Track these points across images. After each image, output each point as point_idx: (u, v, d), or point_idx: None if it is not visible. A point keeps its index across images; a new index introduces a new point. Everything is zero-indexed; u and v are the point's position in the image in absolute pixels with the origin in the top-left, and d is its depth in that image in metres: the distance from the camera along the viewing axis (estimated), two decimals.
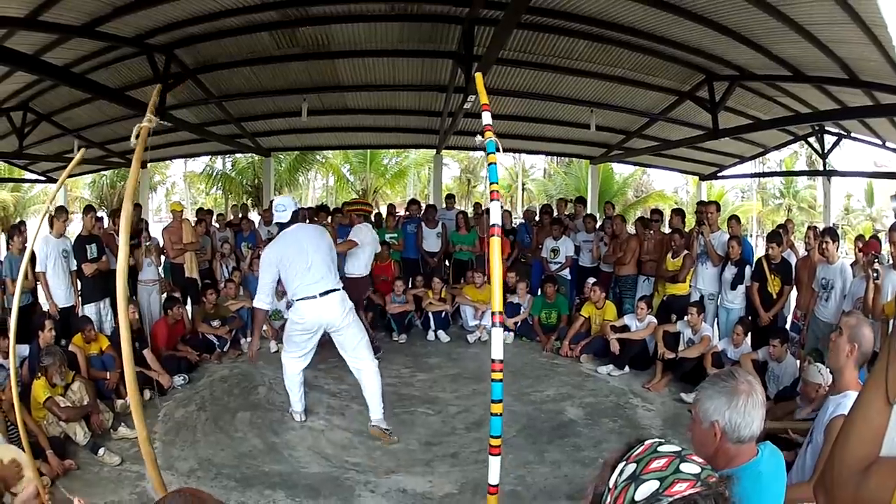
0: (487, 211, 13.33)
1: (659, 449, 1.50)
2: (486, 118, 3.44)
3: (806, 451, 3.25)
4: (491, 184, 3.34)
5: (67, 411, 6.04)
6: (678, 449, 1.50)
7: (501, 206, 3.47)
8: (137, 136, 3.54)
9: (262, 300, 6.41)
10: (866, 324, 3.38)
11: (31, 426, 5.54)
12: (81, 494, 4.98)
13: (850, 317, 3.49)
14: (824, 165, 14.03)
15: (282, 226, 6.48)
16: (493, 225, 3.21)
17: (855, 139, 13.17)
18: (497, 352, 3.12)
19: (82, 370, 6.97)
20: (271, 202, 12.87)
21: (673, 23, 8.06)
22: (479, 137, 3.38)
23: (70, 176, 18.21)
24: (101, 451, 5.85)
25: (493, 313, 3.17)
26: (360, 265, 9.10)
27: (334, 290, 6.32)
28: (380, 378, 6.54)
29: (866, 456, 1.63)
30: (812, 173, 26.39)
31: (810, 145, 14.24)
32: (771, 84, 9.96)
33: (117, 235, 8.76)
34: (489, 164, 3.40)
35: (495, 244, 3.17)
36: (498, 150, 3.35)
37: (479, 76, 3.78)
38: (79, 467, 5.63)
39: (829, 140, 13.48)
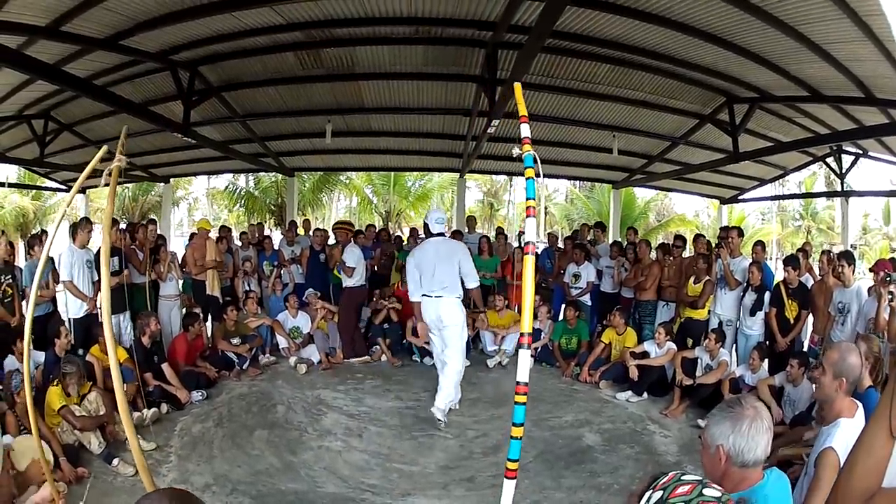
0: (521, 233, 13.40)
1: (683, 478, 1.61)
2: (525, 130, 3.30)
3: (803, 481, 3.25)
4: (527, 199, 3.19)
5: (82, 420, 6.09)
6: (700, 477, 1.59)
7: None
8: (109, 175, 3.42)
9: (414, 294, 7.72)
10: (850, 351, 3.39)
11: (45, 432, 5.57)
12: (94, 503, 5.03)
13: (832, 351, 3.46)
14: (842, 185, 14.02)
15: (427, 230, 7.98)
16: (528, 242, 3.09)
17: (872, 158, 13.16)
18: (523, 374, 3.04)
19: (98, 381, 7.02)
20: (293, 222, 12.96)
21: (693, 46, 8.12)
22: (516, 149, 3.24)
23: (92, 187, 18.40)
24: (115, 461, 5.90)
25: (521, 334, 3.06)
26: (356, 278, 10.03)
27: (448, 297, 7.51)
28: (456, 381, 7.56)
29: (869, 487, 1.68)
30: (830, 194, 26.29)
31: (828, 165, 14.23)
32: (790, 105, 10.01)
33: (138, 250, 8.86)
34: (527, 179, 3.23)
35: (529, 262, 3.05)
36: (536, 164, 3.22)
37: (517, 86, 3.63)
38: (92, 475, 5.66)
39: (846, 160, 13.49)
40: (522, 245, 12.13)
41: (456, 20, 8.18)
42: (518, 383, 2.98)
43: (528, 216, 3.19)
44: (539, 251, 12.64)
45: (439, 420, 7.29)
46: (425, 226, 8.29)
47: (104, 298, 2.99)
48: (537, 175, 3.17)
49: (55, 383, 6.17)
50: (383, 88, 11.23)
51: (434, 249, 7.62)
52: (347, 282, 10.14)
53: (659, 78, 9.66)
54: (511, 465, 3.02)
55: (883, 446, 1.67)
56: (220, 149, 13.17)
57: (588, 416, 7.84)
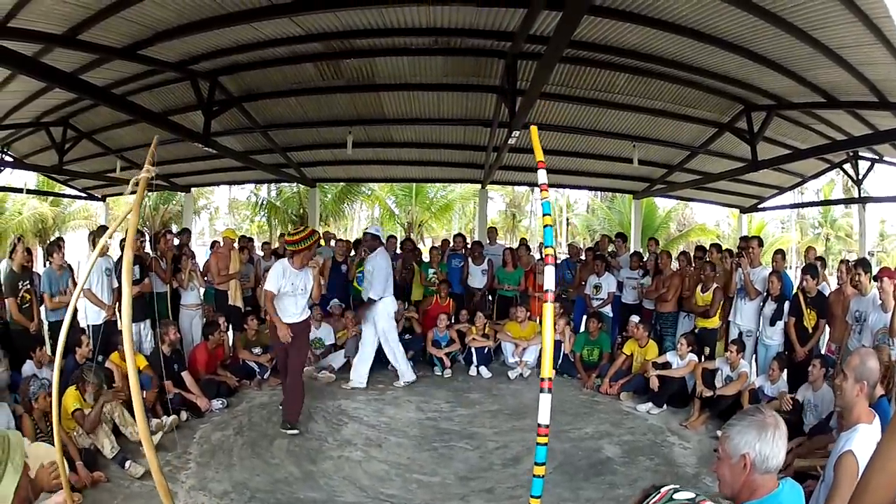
0: (542, 244, 13.39)
1: (675, 497, 1.61)
2: (542, 177, 3.11)
3: (820, 488, 3.25)
4: (546, 247, 3.06)
5: (91, 421, 6.19)
6: (692, 496, 1.62)
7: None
8: (137, 185, 3.33)
9: (376, 294, 9.17)
10: (870, 355, 3.44)
11: (62, 437, 5.64)
12: None
13: (852, 357, 3.50)
14: (859, 192, 13.94)
15: (379, 241, 9.39)
16: (547, 291, 2.95)
17: (888, 163, 13.09)
18: (545, 417, 3.00)
19: (118, 387, 7.08)
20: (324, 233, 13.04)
21: (710, 53, 8.13)
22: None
23: (113, 195, 18.51)
24: (127, 463, 5.96)
25: (541, 379, 2.98)
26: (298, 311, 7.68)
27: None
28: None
29: (883, 501, 1.65)
30: (847, 201, 26.09)
31: (845, 172, 14.14)
32: (806, 112, 10.01)
33: (161, 259, 8.92)
34: (545, 227, 3.09)
35: (548, 310, 2.92)
36: (550, 212, 3.11)
37: (533, 129, 3.38)
38: (109, 480, 5.71)
39: (863, 166, 13.42)
40: (544, 256, 12.14)
41: (475, 31, 8.21)
42: (539, 426, 2.94)
43: (546, 264, 3.02)
44: (559, 261, 12.59)
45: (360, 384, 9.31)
46: (377, 237, 9.33)
47: (125, 308, 2.98)
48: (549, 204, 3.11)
49: (74, 387, 6.23)
50: (404, 99, 11.28)
51: (386, 258, 9.47)
52: (291, 315, 7.52)
53: (677, 87, 9.66)
54: (534, 502, 3.00)
55: None
56: (242, 159, 13.25)
57: (608, 428, 7.81)
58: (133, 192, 3.12)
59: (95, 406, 6.27)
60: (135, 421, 6.75)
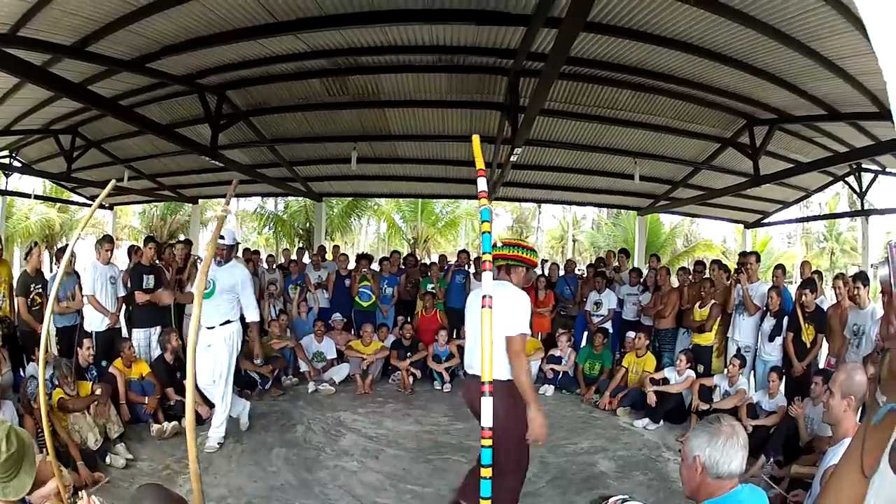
0: (545, 261, 13.34)
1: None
2: (481, 184, 3.24)
3: (807, 502, 3.34)
4: (483, 254, 3.06)
5: (73, 402, 6.38)
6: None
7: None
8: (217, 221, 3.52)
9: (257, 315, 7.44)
10: (856, 370, 3.49)
11: (63, 437, 5.87)
12: None
13: (838, 372, 3.58)
14: (862, 204, 14.03)
15: (235, 250, 7.33)
16: (485, 296, 2.91)
17: (891, 174, 13.18)
18: (487, 421, 3.00)
19: (121, 393, 7.30)
20: (321, 247, 13.09)
21: (711, 68, 8.24)
22: (475, 202, 3.25)
23: (120, 204, 18.71)
24: (108, 457, 6.18)
25: (482, 383, 2.85)
26: None
27: None
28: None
29: None
30: (850, 214, 26.11)
31: (848, 185, 14.22)
32: (808, 125, 10.09)
33: (166, 269, 9.06)
34: (483, 234, 3.10)
35: (486, 316, 2.86)
36: (490, 219, 3.16)
37: (475, 139, 3.50)
38: (110, 481, 5.82)
39: (866, 178, 13.55)
40: (546, 272, 12.16)
41: (477, 48, 8.34)
42: (483, 429, 2.96)
43: (484, 271, 3.01)
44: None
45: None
46: (233, 246, 7.25)
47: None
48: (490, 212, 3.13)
49: (57, 386, 6.42)
50: (409, 116, 11.42)
51: (244, 271, 7.34)
52: None
53: (680, 102, 9.77)
54: (485, 473, 3.04)
55: (853, 486, 1.66)
56: (248, 172, 13.38)
57: (604, 443, 7.84)
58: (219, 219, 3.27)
59: (83, 399, 6.52)
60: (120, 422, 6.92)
